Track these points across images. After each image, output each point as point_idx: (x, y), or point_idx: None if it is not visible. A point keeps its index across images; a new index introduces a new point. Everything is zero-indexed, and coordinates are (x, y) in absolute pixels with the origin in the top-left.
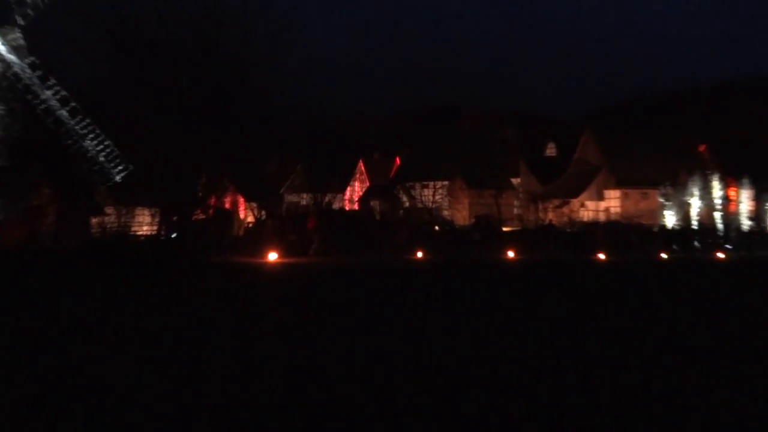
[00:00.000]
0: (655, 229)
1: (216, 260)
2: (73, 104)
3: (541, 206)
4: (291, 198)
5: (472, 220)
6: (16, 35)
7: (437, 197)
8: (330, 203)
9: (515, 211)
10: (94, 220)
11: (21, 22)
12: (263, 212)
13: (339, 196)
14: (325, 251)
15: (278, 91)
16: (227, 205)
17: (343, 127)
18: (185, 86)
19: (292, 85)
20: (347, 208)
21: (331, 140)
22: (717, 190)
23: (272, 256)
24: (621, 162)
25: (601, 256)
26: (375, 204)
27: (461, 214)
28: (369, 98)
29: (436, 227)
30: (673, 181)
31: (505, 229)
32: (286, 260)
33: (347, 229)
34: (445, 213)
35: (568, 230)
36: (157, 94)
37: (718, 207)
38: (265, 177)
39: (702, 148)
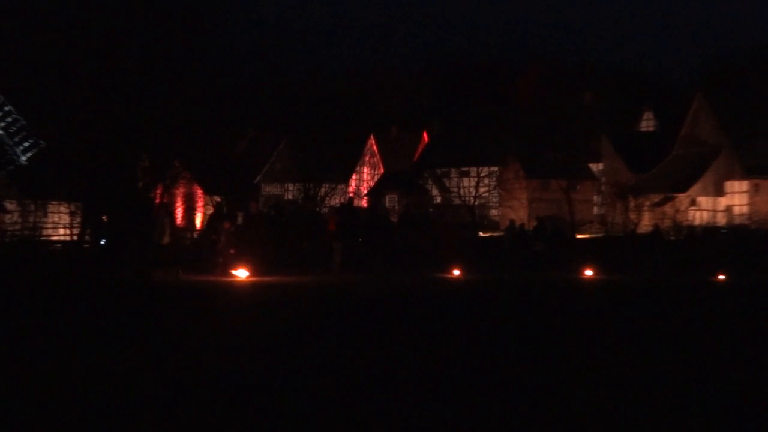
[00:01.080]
0: None
1: (166, 278)
2: None
3: (632, 203)
4: (270, 189)
5: (532, 223)
6: None
7: (482, 190)
8: (351, 199)
9: (595, 210)
10: None
11: None
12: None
13: (340, 187)
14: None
15: (250, 33)
16: (179, 199)
17: (345, 89)
18: (112, 24)
19: (271, 26)
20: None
21: (328, 107)
22: None
23: (241, 273)
24: (750, 141)
25: (722, 276)
26: (393, 198)
27: (516, 214)
28: (383, 48)
29: (480, 233)
30: None
31: (579, 236)
32: (299, 278)
33: (380, 233)
34: (494, 213)
35: (672, 238)
36: (71, 35)
37: None
38: (233, 160)
39: None
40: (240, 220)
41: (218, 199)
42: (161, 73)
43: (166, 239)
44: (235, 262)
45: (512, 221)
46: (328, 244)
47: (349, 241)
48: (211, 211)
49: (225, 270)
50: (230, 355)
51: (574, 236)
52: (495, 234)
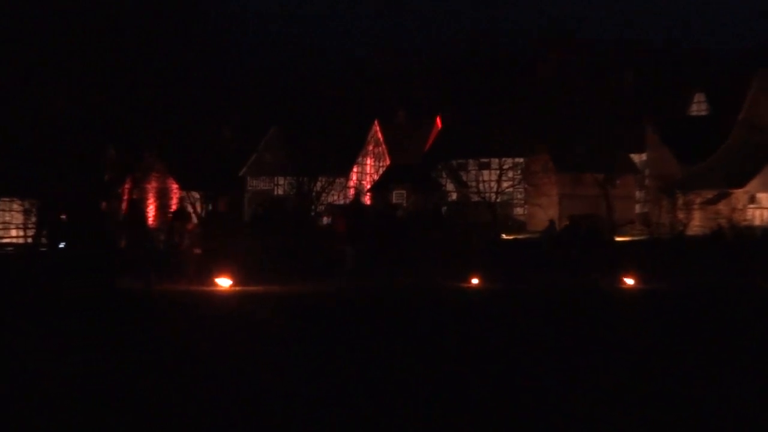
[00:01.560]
0: None
1: (135, 287)
2: None
3: (681, 201)
4: (257, 184)
5: (564, 224)
6: None
7: (505, 184)
8: (358, 196)
9: (637, 208)
10: None
11: None
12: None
13: (339, 181)
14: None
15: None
16: (151, 195)
17: (346, 67)
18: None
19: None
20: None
21: (326, 88)
22: None
23: (224, 282)
24: None
25: None
26: (400, 195)
27: (546, 213)
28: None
29: (504, 235)
30: None
31: (619, 238)
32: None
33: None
34: (518, 211)
35: (729, 240)
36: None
37: None
38: (214, 151)
39: None
40: (194, 220)
41: (196, 195)
42: (128, 49)
43: (124, 242)
44: (213, 269)
45: (552, 222)
46: (336, 249)
47: (360, 245)
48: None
49: (195, 276)
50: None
51: (613, 238)
52: (521, 236)
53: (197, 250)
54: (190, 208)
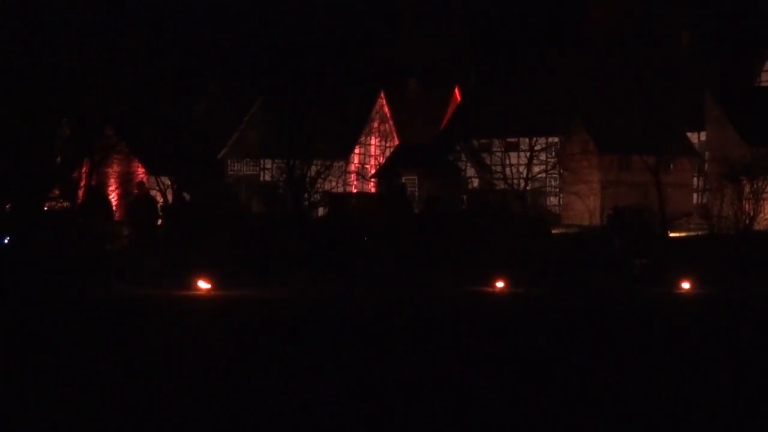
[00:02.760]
0: None
1: (92, 290)
2: None
3: (748, 189)
4: (239, 168)
5: (607, 214)
6: None
7: (536, 170)
8: (401, 185)
9: (695, 198)
10: None
11: None
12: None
13: (338, 165)
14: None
15: None
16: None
17: (343, 26)
18: None
19: None
20: (354, 189)
21: (321, 52)
22: None
23: (203, 285)
24: None
25: None
26: (411, 181)
27: (585, 203)
28: None
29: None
30: None
31: (673, 234)
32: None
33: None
34: (552, 201)
35: None
36: None
37: None
38: (187, 127)
39: None
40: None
41: (167, 181)
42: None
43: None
44: (188, 270)
45: (617, 208)
46: (372, 248)
47: (403, 244)
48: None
49: (167, 278)
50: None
51: (666, 234)
52: (558, 230)
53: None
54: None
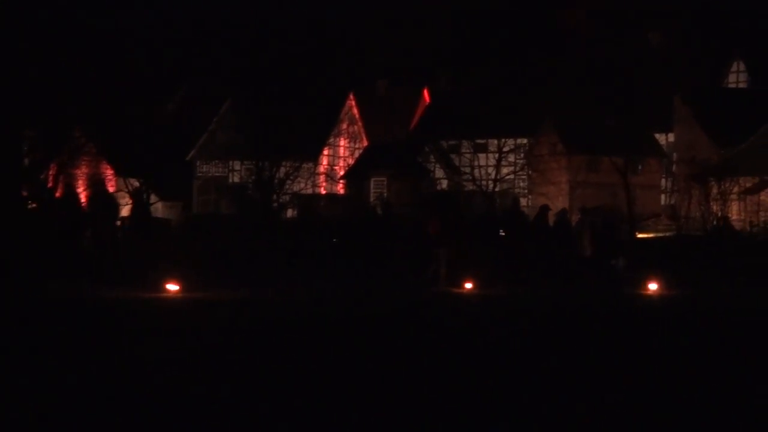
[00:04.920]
0: None
1: (61, 293)
2: None
3: (716, 190)
4: (208, 170)
5: (576, 216)
6: None
7: (505, 170)
8: (454, 195)
9: (663, 199)
10: None
11: None
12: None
13: (307, 166)
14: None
15: None
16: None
17: (312, 27)
18: None
19: None
20: (323, 191)
21: (290, 53)
22: None
23: (171, 287)
24: None
25: None
26: (380, 182)
27: (553, 204)
28: None
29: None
30: None
31: (642, 235)
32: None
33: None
34: (521, 202)
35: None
36: None
37: None
38: (156, 129)
39: None
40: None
41: (136, 183)
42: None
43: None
44: (157, 272)
45: (583, 209)
46: (427, 251)
47: (456, 247)
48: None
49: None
50: None
51: (634, 235)
52: None
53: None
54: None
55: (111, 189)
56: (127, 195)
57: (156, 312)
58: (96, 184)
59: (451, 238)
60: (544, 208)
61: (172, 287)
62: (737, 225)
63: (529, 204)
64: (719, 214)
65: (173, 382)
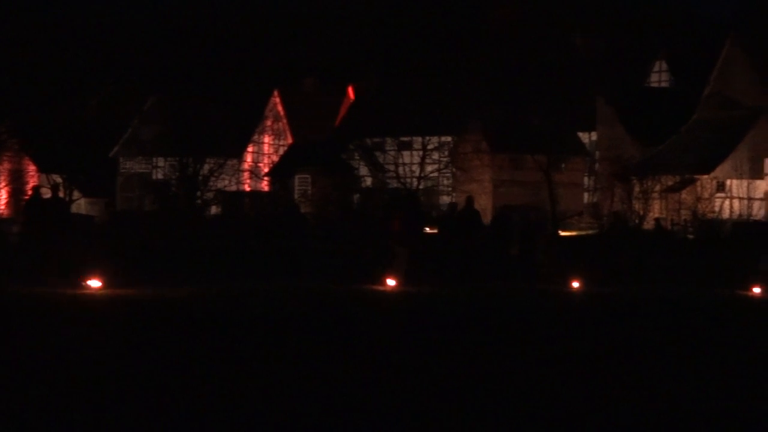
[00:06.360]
0: None
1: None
2: None
3: (638, 188)
4: (131, 166)
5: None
6: None
7: (429, 168)
8: (416, 195)
9: (586, 197)
10: None
11: None
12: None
13: (231, 163)
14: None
15: None
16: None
17: (237, 24)
18: None
19: None
20: (247, 188)
21: (215, 50)
22: None
23: (94, 283)
24: None
25: (757, 290)
26: (305, 180)
27: (478, 202)
28: None
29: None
30: None
31: (564, 233)
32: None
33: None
34: (446, 201)
35: (691, 236)
36: None
37: None
38: (79, 124)
39: None
40: None
41: (58, 179)
42: None
43: None
44: (79, 268)
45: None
46: (387, 249)
47: (414, 246)
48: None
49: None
50: None
51: (557, 233)
52: None
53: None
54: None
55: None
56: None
57: (76, 308)
58: (33, 189)
59: (413, 236)
60: (470, 200)
61: (94, 283)
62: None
63: (453, 201)
64: (642, 212)
65: (84, 379)
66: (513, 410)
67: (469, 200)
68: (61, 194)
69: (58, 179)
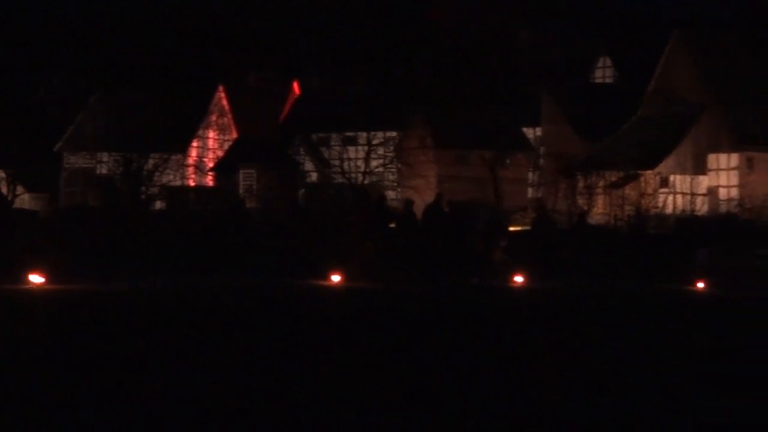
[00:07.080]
0: None
1: None
2: None
3: (582, 184)
4: (76, 161)
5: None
6: None
7: (374, 164)
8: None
9: (530, 192)
10: None
11: None
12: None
13: (176, 158)
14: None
15: None
16: None
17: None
18: None
19: None
20: (192, 183)
21: (158, 43)
22: None
23: (36, 279)
24: (742, 99)
25: (701, 285)
26: (250, 175)
27: (422, 197)
28: None
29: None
30: None
31: (513, 228)
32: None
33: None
34: (391, 195)
35: (633, 232)
36: None
37: None
38: (23, 118)
39: None
40: None
41: (2, 174)
42: None
43: None
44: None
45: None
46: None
47: (380, 242)
48: None
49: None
50: None
51: (504, 228)
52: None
53: None
54: None
55: None
56: None
57: (18, 303)
58: None
59: (377, 232)
60: (440, 197)
61: (37, 279)
62: (601, 219)
63: (398, 197)
64: (586, 207)
65: (23, 375)
66: (456, 408)
67: (439, 197)
68: (4, 189)
69: (2, 174)
